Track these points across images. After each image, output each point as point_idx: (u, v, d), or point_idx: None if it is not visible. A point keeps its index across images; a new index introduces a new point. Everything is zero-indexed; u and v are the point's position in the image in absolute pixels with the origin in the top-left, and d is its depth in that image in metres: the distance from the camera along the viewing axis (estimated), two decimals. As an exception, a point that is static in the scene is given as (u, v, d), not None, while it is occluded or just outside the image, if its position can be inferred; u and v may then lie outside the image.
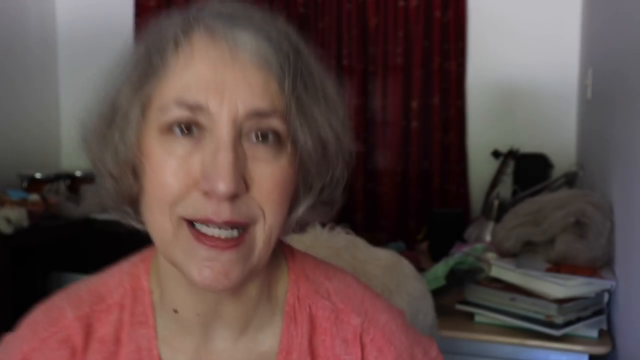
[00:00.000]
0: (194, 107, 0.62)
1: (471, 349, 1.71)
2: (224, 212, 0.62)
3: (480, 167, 3.10)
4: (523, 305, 1.67)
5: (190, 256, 0.64)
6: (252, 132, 0.64)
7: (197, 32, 0.65)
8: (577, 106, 2.92)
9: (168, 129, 0.64)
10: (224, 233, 0.63)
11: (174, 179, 0.63)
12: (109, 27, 3.68)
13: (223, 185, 0.60)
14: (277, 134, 0.65)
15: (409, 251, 2.48)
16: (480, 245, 1.97)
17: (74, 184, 3.43)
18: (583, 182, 2.36)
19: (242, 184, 0.62)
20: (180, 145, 0.63)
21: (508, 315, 1.67)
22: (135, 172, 0.67)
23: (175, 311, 0.72)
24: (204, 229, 0.63)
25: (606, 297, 1.70)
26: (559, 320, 1.59)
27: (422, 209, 3.15)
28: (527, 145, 2.92)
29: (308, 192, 0.70)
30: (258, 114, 0.63)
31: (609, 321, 1.71)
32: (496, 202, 2.38)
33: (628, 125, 1.55)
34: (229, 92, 0.62)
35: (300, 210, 0.71)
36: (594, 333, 1.64)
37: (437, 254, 2.29)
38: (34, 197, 2.96)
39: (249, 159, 0.63)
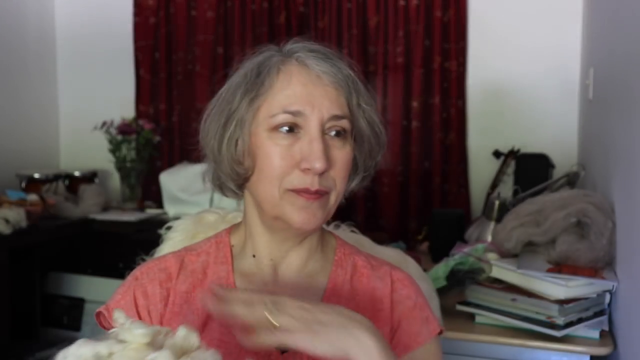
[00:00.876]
0: (295, 113, 0.92)
1: (472, 349, 1.70)
2: (316, 183, 0.92)
3: (481, 167, 3.10)
4: (524, 305, 1.66)
5: (293, 206, 0.93)
6: (331, 129, 0.94)
7: (292, 63, 0.96)
8: (578, 106, 2.91)
9: (276, 128, 0.93)
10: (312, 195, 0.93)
11: (282, 161, 0.92)
12: (108, 27, 3.68)
13: (319, 163, 0.90)
14: (345, 130, 0.96)
15: (409, 251, 2.46)
16: (481, 245, 1.96)
17: (73, 184, 3.42)
18: (584, 182, 2.35)
19: (329, 162, 0.92)
20: (285, 139, 0.93)
21: (509, 316, 1.66)
22: (241, 160, 0.96)
23: (254, 256, 1.02)
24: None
25: (607, 297, 1.70)
26: (560, 321, 1.58)
27: (423, 209, 3.14)
28: (528, 145, 2.91)
29: (360, 168, 1.03)
30: (335, 117, 0.94)
31: (611, 322, 1.70)
32: (497, 203, 2.37)
33: (629, 125, 1.54)
34: (317, 103, 0.93)
35: (355, 181, 1.04)
36: (595, 334, 1.63)
37: (438, 255, 2.28)
38: (33, 197, 2.95)
39: (330, 147, 0.93)
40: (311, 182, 0.91)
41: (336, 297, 1.01)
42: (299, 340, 0.81)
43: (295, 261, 1.01)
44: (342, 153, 0.95)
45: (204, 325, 0.97)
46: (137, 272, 1.03)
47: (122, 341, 0.70)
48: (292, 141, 0.92)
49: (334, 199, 0.96)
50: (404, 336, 1.01)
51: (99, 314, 1.01)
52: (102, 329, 1.01)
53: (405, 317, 1.02)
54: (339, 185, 0.95)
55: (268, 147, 0.93)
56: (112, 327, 0.89)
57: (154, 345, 0.70)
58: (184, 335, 0.72)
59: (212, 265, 1.02)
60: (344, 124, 0.95)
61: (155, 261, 1.04)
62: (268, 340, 0.82)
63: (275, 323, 0.82)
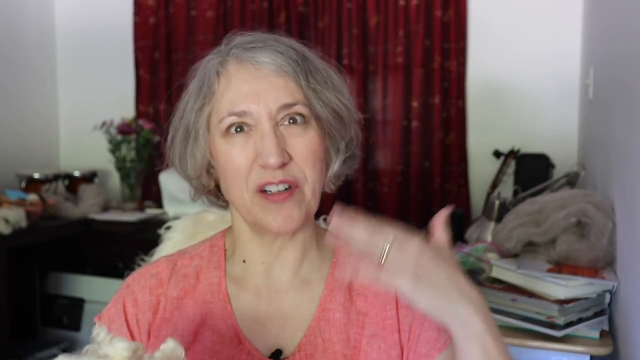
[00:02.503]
0: (241, 113, 0.90)
1: (472, 350, 1.70)
2: (278, 175, 0.89)
3: (481, 167, 3.09)
4: (524, 306, 1.66)
5: (265, 211, 0.90)
6: (284, 118, 0.90)
7: (230, 62, 0.93)
8: (578, 106, 2.91)
9: (227, 132, 0.91)
10: (281, 188, 0.90)
11: (240, 160, 0.90)
12: (108, 27, 3.68)
13: (273, 158, 0.87)
14: (302, 116, 0.91)
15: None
16: (481, 245, 1.96)
17: (73, 184, 3.42)
18: (584, 182, 2.35)
19: (286, 155, 0.89)
20: (238, 139, 0.90)
21: (509, 316, 1.66)
22: (209, 171, 0.96)
23: (244, 261, 0.99)
24: (269, 191, 0.90)
25: (608, 297, 1.69)
26: (560, 321, 1.58)
27: (423, 209, 3.14)
28: (528, 145, 2.91)
29: (336, 152, 0.97)
30: (285, 106, 0.90)
31: (611, 322, 1.70)
32: (497, 202, 2.37)
33: (630, 125, 1.54)
34: (262, 97, 0.89)
35: (335, 166, 0.97)
36: (595, 334, 1.62)
37: (438, 255, 2.28)
38: (32, 197, 2.95)
39: (287, 137, 0.90)
40: (272, 175, 0.89)
41: (333, 302, 0.96)
42: (402, 285, 0.79)
43: (289, 262, 0.97)
44: (303, 140, 0.91)
45: (195, 333, 0.95)
46: (129, 279, 1.01)
47: (102, 356, 0.69)
48: (246, 139, 0.90)
49: (309, 192, 0.92)
50: (421, 345, 0.93)
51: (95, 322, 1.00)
52: None
53: (418, 323, 0.94)
54: (309, 174, 0.91)
55: (225, 151, 0.91)
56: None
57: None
58: (172, 348, 0.72)
59: (205, 269, 1.00)
60: (299, 109, 0.90)
61: (148, 267, 1.02)
62: (371, 276, 0.80)
63: (384, 259, 0.80)
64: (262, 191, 0.90)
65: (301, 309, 0.96)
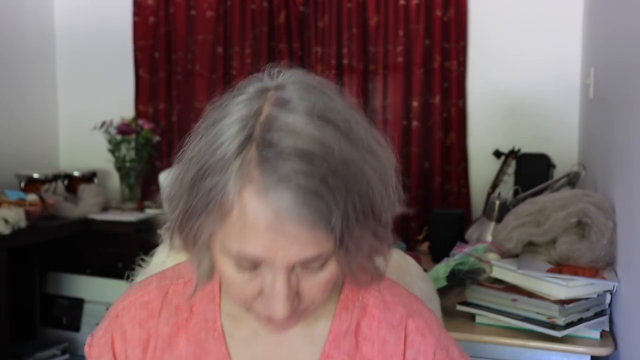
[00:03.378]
0: (254, 260, 0.74)
1: (472, 350, 1.70)
2: (283, 315, 0.75)
3: (481, 167, 3.09)
4: (524, 306, 1.66)
5: (262, 322, 0.81)
6: (304, 266, 0.75)
7: (247, 193, 0.70)
8: (579, 106, 2.91)
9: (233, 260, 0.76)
10: None
11: (242, 294, 0.78)
12: (107, 27, 3.67)
13: (280, 313, 0.75)
14: (324, 261, 0.75)
15: (409, 252, 2.46)
16: (482, 245, 1.95)
17: (72, 184, 3.42)
18: (585, 182, 2.35)
19: (296, 300, 0.77)
20: (246, 272, 0.76)
21: (509, 317, 1.66)
22: (214, 260, 0.80)
23: None
24: None
25: (608, 298, 1.69)
26: (560, 321, 1.58)
27: (423, 209, 3.14)
28: (529, 145, 2.91)
29: (352, 266, 0.79)
30: (307, 260, 0.74)
31: (611, 322, 1.70)
32: (497, 203, 2.37)
33: (630, 125, 1.54)
34: (281, 251, 0.72)
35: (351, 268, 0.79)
36: (596, 334, 1.62)
37: (438, 255, 2.28)
38: (32, 197, 2.95)
39: (301, 279, 0.76)
40: (275, 313, 0.76)
41: (338, 349, 0.88)
42: None
43: None
44: (320, 279, 0.76)
45: None
46: (119, 307, 0.92)
47: None
48: (254, 275, 0.76)
49: (313, 309, 0.81)
50: None
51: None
52: None
53: None
54: (318, 302, 0.79)
55: (227, 273, 0.77)
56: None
57: None
58: None
59: (199, 301, 0.90)
60: (321, 260, 0.75)
61: (138, 293, 0.92)
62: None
63: None
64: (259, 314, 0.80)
65: (302, 355, 0.89)
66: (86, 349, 0.93)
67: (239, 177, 0.71)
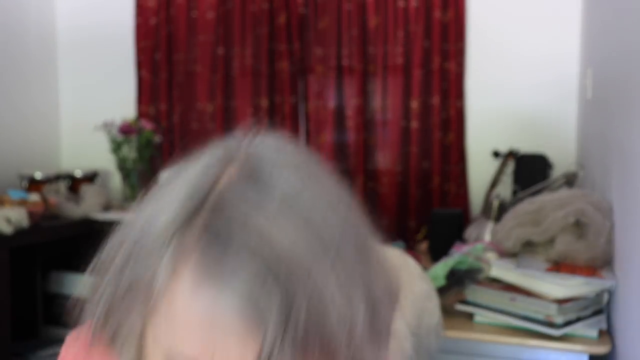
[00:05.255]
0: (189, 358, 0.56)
1: (471, 349, 1.71)
2: None
3: (480, 167, 3.10)
4: (523, 305, 1.67)
5: None
6: None
7: (182, 278, 0.56)
8: (577, 106, 2.92)
9: None
10: None
11: None
12: (109, 28, 3.68)
13: None
14: None
15: (408, 251, 2.47)
16: (480, 245, 1.97)
17: (74, 184, 3.43)
18: (583, 182, 2.36)
19: None
20: None
21: (508, 315, 1.67)
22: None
23: None
24: None
25: (606, 297, 1.71)
26: (558, 320, 1.59)
27: (422, 209, 3.15)
28: (527, 145, 2.92)
29: None
30: None
31: (609, 321, 1.71)
32: (496, 202, 2.38)
33: (628, 125, 1.55)
34: (218, 347, 0.55)
35: None
36: (593, 333, 1.64)
37: (437, 254, 2.29)
38: (34, 197, 2.96)
39: None
40: None
41: None
42: None
43: None
44: None
45: None
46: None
47: None
48: None
49: None
50: None
51: None
52: None
53: None
54: None
55: None
56: None
57: None
58: None
59: None
60: None
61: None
62: None
63: None
64: None
65: None
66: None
67: (172, 261, 0.56)
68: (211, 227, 0.56)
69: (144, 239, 0.59)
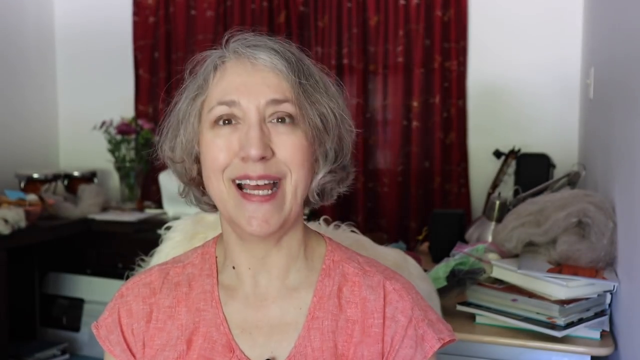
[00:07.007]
0: (230, 103, 0.90)
1: (472, 350, 1.70)
2: (258, 169, 0.88)
3: (481, 167, 3.09)
4: (524, 306, 1.66)
5: (241, 211, 0.90)
6: (272, 115, 0.90)
7: (227, 56, 0.94)
8: (579, 105, 2.91)
9: (215, 123, 0.91)
10: (261, 192, 0.90)
11: (221, 152, 0.90)
12: (107, 27, 3.67)
13: (254, 150, 0.87)
14: (290, 117, 0.91)
15: (409, 252, 2.46)
16: (482, 245, 1.95)
17: (72, 184, 3.42)
18: (585, 182, 2.35)
19: (269, 150, 0.89)
20: (224, 130, 0.91)
21: (509, 317, 1.66)
22: (196, 158, 0.96)
23: (234, 267, 0.98)
24: (247, 190, 0.90)
25: (608, 298, 1.69)
26: (560, 321, 1.58)
27: (423, 209, 3.14)
28: (529, 145, 2.90)
29: (324, 159, 0.95)
30: (274, 102, 0.90)
31: (611, 322, 1.69)
32: (497, 203, 2.36)
33: (630, 124, 1.53)
34: (253, 90, 0.90)
35: (321, 173, 0.95)
36: (596, 334, 1.62)
37: (438, 255, 2.28)
38: (32, 197, 2.94)
39: (272, 134, 0.90)
40: (252, 169, 0.88)
41: (323, 310, 0.96)
42: None
43: (274, 270, 0.97)
44: (290, 138, 0.90)
45: (189, 342, 0.96)
46: (123, 288, 1.03)
47: None
48: (232, 132, 0.90)
49: (290, 192, 0.91)
50: None
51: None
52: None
53: (399, 338, 0.95)
54: (294, 171, 0.90)
55: (210, 142, 0.91)
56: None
57: None
58: None
59: (197, 277, 1.01)
60: (287, 107, 0.90)
61: (141, 275, 1.03)
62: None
63: None
64: (238, 185, 0.90)
65: (289, 318, 0.96)
66: (94, 331, 1.01)
67: (220, 52, 0.96)
68: (239, 37, 0.96)
69: (200, 67, 0.98)
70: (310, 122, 0.91)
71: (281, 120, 0.90)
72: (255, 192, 0.90)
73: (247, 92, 0.90)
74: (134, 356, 0.99)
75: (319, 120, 0.92)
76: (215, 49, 0.98)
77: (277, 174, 0.89)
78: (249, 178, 0.89)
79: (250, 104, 0.89)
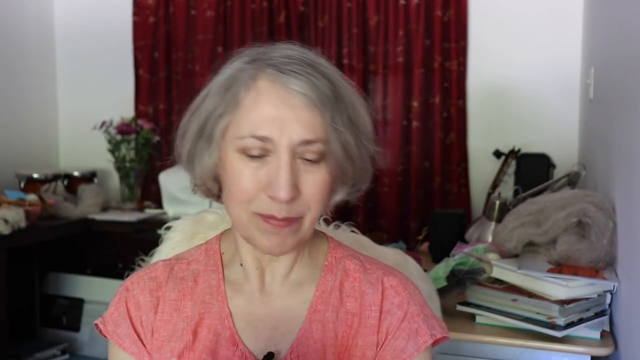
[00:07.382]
0: (263, 139, 0.88)
1: (472, 350, 1.70)
2: (283, 210, 0.89)
3: (481, 167, 3.09)
4: (524, 306, 1.65)
5: (261, 232, 0.91)
6: (303, 154, 0.89)
7: (262, 78, 0.90)
8: (579, 105, 2.91)
9: (243, 151, 0.90)
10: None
11: (249, 185, 0.90)
12: (107, 27, 3.67)
13: (283, 194, 0.87)
14: (320, 153, 0.90)
15: (409, 252, 2.45)
16: (482, 245, 1.95)
17: (72, 184, 3.42)
18: (585, 182, 2.35)
19: (296, 190, 0.89)
20: (253, 162, 0.89)
21: (509, 317, 1.65)
22: (216, 178, 0.96)
23: (241, 264, 1.01)
24: (269, 222, 0.91)
25: (608, 298, 1.69)
26: (560, 321, 1.58)
27: (423, 209, 3.14)
28: (529, 144, 2.90)
29: (344, 185, 0.98)
30: (306, 142, 0.89)
31: (611, 322, 1.69)
32: (497, 203, 2.36)
33: (630, 124, 1.53)
34: (287, 127, 0.88)
35: (338, 197, 0.99)
36: (596, 334, 1.62)
37: (438, 255, 2.28)
38: (32, 197, 2.94)
39: (300, 172, 0.90)
40: (278, 210, 0.89)
41: (324, 304, 1.00)
42: None
43: (279, 270, 1.00)
44: (315, 178, 0.91)
45: (195, 333, 0.98)
46: (127, 282, 1.04)
47: None
48: (261, 165, 0.89)
49: (308, 223, 0.93)
50: (386, 351, 0.97)
51: (97, 325, 1.03)
52: (102, 336, 1.03)
53: (393, 330, 0.98)
54: (314, 209, 0.92)
55: (236, 167, 0.90)
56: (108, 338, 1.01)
57: None
58: None
59: (203, 273, 1.03)
60: (318, 147, 0.90)
61: (146, 270, 1.05)
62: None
63: None
64: (261, 215, 0.91)
65: (292, 312, 1.00)
66: (101, 327, 1.02)
67: (253, 70, 0.91)
68: (271, 57, 0.92)
69: (226, 77, 0.94)
70: (336, 154, 0.92)
71: (310, 158, 0.90)
72: (277, 228, 0.91)
73: (280, 127, 0.88)
74: (144, 346, 1.00)
75: (345, 157, 0.93)
76: (248, 62, 0.94)
77: (299, 214, 0.91)
78: (274, 219, 0.90)
79: (282, 139, 0.88)
